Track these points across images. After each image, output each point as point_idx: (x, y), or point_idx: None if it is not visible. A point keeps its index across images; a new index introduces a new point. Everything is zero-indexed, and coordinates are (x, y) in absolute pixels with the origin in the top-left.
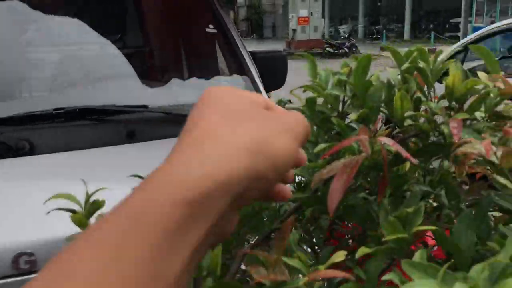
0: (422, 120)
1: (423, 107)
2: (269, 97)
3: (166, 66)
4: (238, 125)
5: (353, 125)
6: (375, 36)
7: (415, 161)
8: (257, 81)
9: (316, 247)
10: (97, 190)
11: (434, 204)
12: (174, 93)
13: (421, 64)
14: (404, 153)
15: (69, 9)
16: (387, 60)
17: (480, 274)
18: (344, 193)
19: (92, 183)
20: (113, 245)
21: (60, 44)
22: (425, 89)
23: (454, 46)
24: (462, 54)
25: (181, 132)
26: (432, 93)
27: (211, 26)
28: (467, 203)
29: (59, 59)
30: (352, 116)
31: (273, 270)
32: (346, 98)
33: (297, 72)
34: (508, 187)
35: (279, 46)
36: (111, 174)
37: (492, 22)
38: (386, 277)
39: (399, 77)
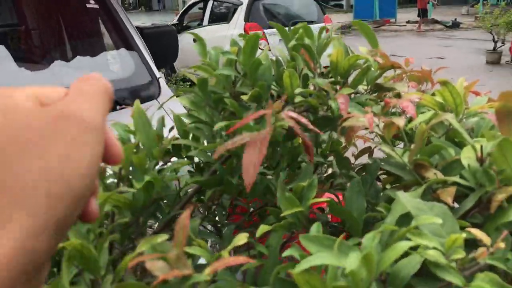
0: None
1: (311, 83)
2: (165, 74)
3: (46, 47)
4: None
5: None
6: None
7: (318, 131)
8: (146, 58)
9: (219, 225)
10: None
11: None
12: (57, 75)
13: (307, 41)
14: (310, 126)
15: None
16: None
17: (372, 241)
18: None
19: None
20: None
21: None
22: (312, 65)
23: (177, 17)
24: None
25: None
26: (318, 69)
27: (92, 1)
28: (355, 170)
29: None
30: (245, 97)
31: (176, 264)
32: (237, 78)
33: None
34: (391, 155)
35: (168, 19)
36: None
37: None
38: (286, 253)
39: (287, 54)
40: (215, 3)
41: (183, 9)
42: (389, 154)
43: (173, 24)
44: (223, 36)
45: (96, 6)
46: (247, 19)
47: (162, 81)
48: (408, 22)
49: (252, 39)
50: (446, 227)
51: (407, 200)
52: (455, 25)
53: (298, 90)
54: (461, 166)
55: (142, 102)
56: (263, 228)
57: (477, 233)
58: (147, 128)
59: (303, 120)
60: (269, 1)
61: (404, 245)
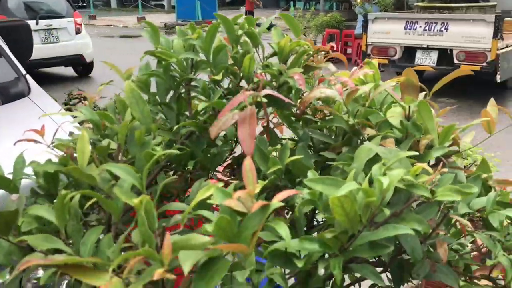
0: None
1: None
2: (27, 73)
3: None
4: None
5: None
6: (81, 4)
7: (293, 102)
8: (9, 54)
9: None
10: None
11: None
12: None
13: (250, 29)
14: (287, 100)
15: None
16: (95, 28)
17: (379, 170)
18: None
19: None
20: None
21: None
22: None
23: None
24: None
25: None
26: (261, 52)
27: None
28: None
29: None
30: (217, 76)
31: (249, 201)
32: (194, 62)
33: None
34: (345, 121)
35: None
36: None
37: None
38: (304, 192)
39: (223, 41)
40: None
41: None
42: (340, 118)
43: None
44: None
45: None
46: None
47: (30, 78)
48: None
49: (213, 28)
50: (402, 163)
51: (374, 148)
52: (270, 27)
53: (258, 71)
54: (387, 124)
55: (11, 100)
56: (262, 183)
57: (424, 166)
58: (142, 106)
59: (282, 97)
60: None
61: (399, 173)
